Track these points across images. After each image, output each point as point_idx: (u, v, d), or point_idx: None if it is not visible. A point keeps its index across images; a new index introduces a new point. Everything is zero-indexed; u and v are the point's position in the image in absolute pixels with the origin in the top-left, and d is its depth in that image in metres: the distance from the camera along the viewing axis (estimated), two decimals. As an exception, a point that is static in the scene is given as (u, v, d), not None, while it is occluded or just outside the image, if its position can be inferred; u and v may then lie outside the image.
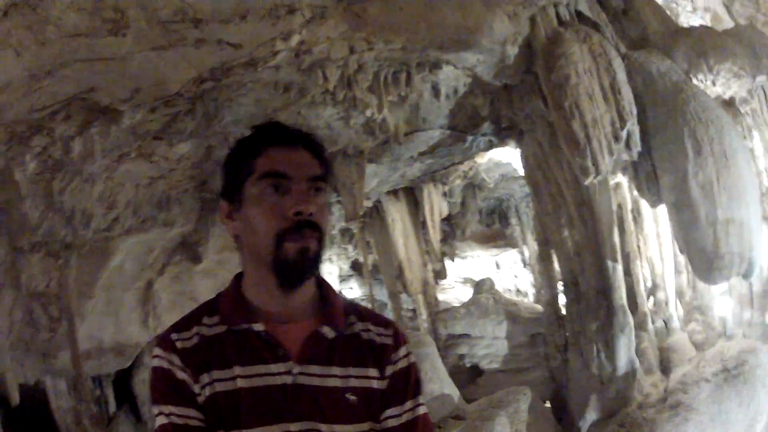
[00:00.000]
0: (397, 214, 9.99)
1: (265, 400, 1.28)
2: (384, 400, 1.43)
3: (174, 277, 5.97)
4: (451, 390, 6.90)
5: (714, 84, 6.21)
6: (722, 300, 7.16)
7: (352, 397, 1.37)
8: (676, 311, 7.50)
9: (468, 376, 9.16)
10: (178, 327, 1.34)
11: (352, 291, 12.06)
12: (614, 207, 6.65)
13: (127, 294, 5.81)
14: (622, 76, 5.53)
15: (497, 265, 12.45)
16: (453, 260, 11.61)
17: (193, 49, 4.11)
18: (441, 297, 11.18)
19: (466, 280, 11.20)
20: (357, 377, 1.39)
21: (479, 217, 11.35)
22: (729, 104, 6.60)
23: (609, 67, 5.44)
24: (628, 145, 5.48)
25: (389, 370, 1.45)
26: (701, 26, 7.05)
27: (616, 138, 5.31)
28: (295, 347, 1.34)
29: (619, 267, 6.25)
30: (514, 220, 11.55)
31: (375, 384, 1.42)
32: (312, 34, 4.68)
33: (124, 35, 3.67)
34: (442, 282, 11.31)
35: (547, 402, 7.10)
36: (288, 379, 1.30)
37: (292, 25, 4.45)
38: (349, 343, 1.42)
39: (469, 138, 7.03)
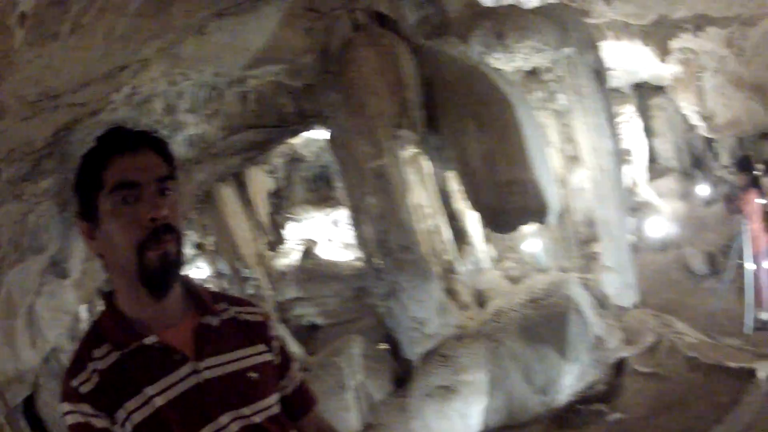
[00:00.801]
0: (227, 198, 10.65)
1: (186, 408, 1.34)
2: (279, 371, 1.59)
3: (49, 294, 6.02)
4: (296, 348, 7.67)
5: (511, 60, 7.02)
6: (532, 240, 8.19)
7: (254, 375, 1.47)
8: (488, 253, 8.54)
9: (308, 333, 9.78)
10: (73, 371, 1.34)
11: (201, 270, 12.20)
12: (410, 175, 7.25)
13: (17, 321, 5.80)
14: (409, 70, 6.23)
15: (335, 223, 12.93)
16: (284, 228, 12.27)
17: (51, 114, 4.66)
18: (285, 261, 11.66)
19: (306, 241, 11.98)
20: (251, 356, 1.49)
21: (307, 185, 12.14)
22: (532, 73, 7.52)
23: (395, 65, 6.16)
24: (415, 129, 6.26)
25: (275, 344, 1.60)
26: (507, 6, 7.52)
27: (399, 126, 6.09)
28: (188, 346, 1.41)
29: (419, 225, 6.97)
30: (338, 184, 11.98)
31: (268, 357, 1.54)
32: (139, 81, 5.36)
33: (3, 118, 4.19)
34: (282, 247, 11.94)
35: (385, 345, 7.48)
36: (196, 379, 1.37)
37: (123, 78, 5.09)
38: (231, 327, 1.51)
39: (279, 130, 7.66)
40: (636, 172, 15.32)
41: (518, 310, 6.84)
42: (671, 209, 15.33)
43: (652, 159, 17.34)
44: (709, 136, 16.29)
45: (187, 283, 1.52)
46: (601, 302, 7.55)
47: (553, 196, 6.66)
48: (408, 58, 6.36)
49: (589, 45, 7.51)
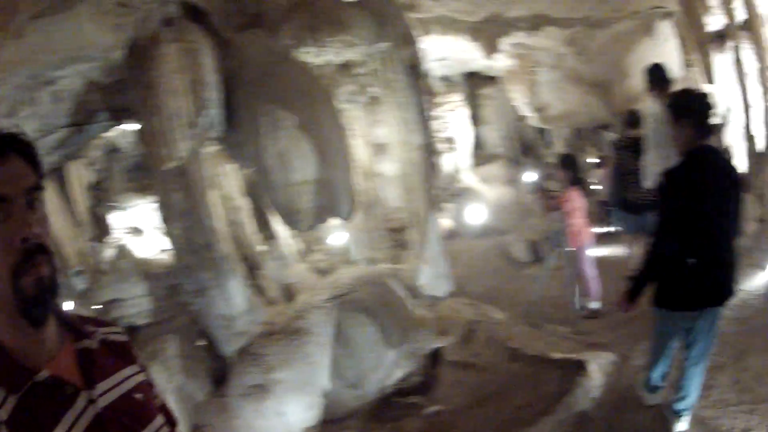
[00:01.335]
0: (46, 196, 9.94)
1: None
2: (151, 387, 1.53)
3: None
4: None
5: (320, 54, 6.84)
6: (338, 233, 8.17)
7: (139, 396, 1.42)
8: (295, 246, 8.47)
9: (129, 335, 9.24)
10: None
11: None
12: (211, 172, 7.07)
13: None
14: (209, 68, 5.96)
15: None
16: (108, 219, 11.81)
17: None
18: (108, 255, 10.92)
19: (134, 230, 11.63)
20: (131, 377, 1.43)
21: (127, 175, 11.63)
22: (344, 66, 7.37)
23: (196, 63, 5.87)
24: (213, 128, 6.08)
25: (142, 362, 1.54)
26: None
27: (192, 125, 5.82)
28: (75, 375, 1.31)
29: (221, 222, 6.82)
30: (156, 172, 11.72)
31: (143, 376, 1.49)
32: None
33: None
34: (108, 239, 11.48)
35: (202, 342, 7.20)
36: (94, 410, 1.28)
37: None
38: (107, 349, 1.43)
39: (95, 126, 7.27)
40: (460, 158, 15.66)
41: (322, 306, 6.66)
42: (496, 195, 15.74)
43: (480, 146, 17.80)
44: (541, 126, 16.85)
45: (54, 307, 1.36)
46: (414, 293, 7.57)
47: (348, 194, 6.70)
48: (211, 54, 6.08)
49: (406, 40, 7.51)
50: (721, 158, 4.00)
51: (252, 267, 7.57)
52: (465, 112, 15.98)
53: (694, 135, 3.82)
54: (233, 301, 6.45)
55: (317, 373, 6.23)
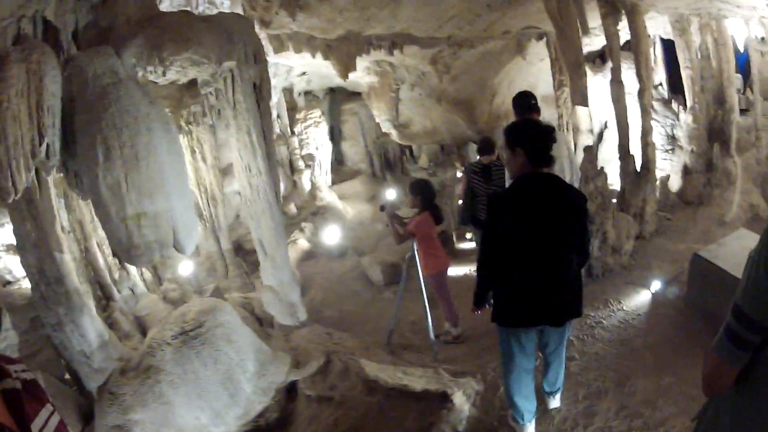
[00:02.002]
0: None
1: None
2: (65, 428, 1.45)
3: None
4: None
5: (164, 74, 6.34)
6: (185, 263, 7.73)
7: None
8: (144, 276, 7.97)
9: None
10: None
11: None
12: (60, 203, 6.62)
13: None
14: (52, 89, 5.41)
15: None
16: None
17: None
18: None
19: (8, 247, 10.71)
20: (50, 416, 1.38)
21: None
22: (191, 85, 7.02)
23: (39, 85, 5.30)
24: (48, 156, 5.46)
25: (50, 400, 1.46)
26: (178, 12, 6.95)
27: (34, 154, 5.27)
28: (6, 418, 1.26)
29: (67, 254, 6.31)
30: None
31: (58, 416, 1.42)
32: None
33: None
34: None
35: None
36: None
37: None
38: (27, 388, 1.37)
39: None
40: (320, 175, 15.23)
41: (171, 342, 6.18)
42: (356, 213, 15.46)
43: (342, 162, 17.54)
44: (402, 143, 16.74)
45: None
46: (266, 322, 7.37)
47: (189, 225, 6.21)
48: (55, 75, 5.49)
49: (253, 59, 7.07)
50: (554, 185, 4.07)
51: (104, 299, 7.22)
52: (325, 128, 15.58)
53: (526, 163, 3.98)
54: (88, 337, 6.13)
55: (173, 413, 5.80)
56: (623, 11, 9.06)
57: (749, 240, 6.73)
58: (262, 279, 7.61)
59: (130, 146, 5.56)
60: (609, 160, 15.71)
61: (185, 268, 7.77)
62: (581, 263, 4.32)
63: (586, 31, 8.27)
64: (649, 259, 8.37)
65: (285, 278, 7.63)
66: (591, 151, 8.48)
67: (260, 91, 7.18)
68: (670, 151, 14.37)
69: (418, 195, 7.30)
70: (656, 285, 7.31)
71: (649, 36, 9.47)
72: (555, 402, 4.98)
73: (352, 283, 10.69)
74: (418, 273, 7.09)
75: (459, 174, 18.44)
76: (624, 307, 7.03)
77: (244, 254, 10.18)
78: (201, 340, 6.17)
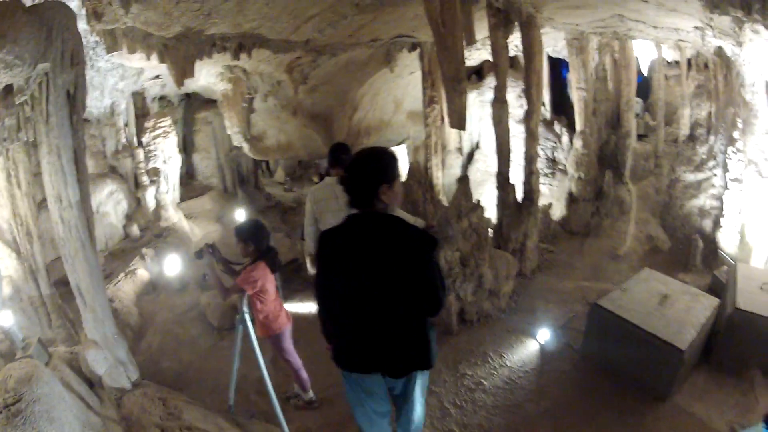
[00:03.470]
0: None
1: None
2: None
3: None
4: None
5: None
6: (4, 312, 6.28)
7: None
8: None
9: None
10: None
11: None
12: None
13: None
14: None
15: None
16: None
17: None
18: None
19: None
20: None
21: None
22: (7, 94, 5.58)
23: None
24: None
25: None
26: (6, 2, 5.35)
27: None
28: None
29: None
30: None
31: None
32: None
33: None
34: None
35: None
36: None
37: None
38: None
39: None
40: (165, 192, 13.70)
41: None
42: (203, 234, 14.16)
43: (191, 176, 16.35)
44: (255, 157, 15.87)
45: None
46: (94, 382, 6.13)
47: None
48: None
49: (69, 59, 5.66)
50: (384, 226, 3.69)
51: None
52: (175, 139, 14.08)
53: (350, 202, 3.75)
54: None
55: None
56: (516, 23, 8.35)
57: (655, 283, 6.41)
58: (86, 332, 6.32)
59: None
60: (480, 183, 15.29)
61: (3, 319, 6.31)
62: (430, 311, 3.77)
63: (471, 41, 7.42)
64: (533, 301, 7.84)
65: (108, 332, 6.33)
66: (466, 183, 7.93)
67: (74, 101, 5.80)
68: (550, 176, 14.13)
69: (248, 241, 5.97)
70: (544, 334, 6.69)
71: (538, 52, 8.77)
72: None
73: (191, 326, 9.33)
74: (252, 338, 5.80)
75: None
76: (507, 362, 6.40)
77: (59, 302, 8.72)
78: (22, 418, 4.99)
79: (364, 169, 3.71)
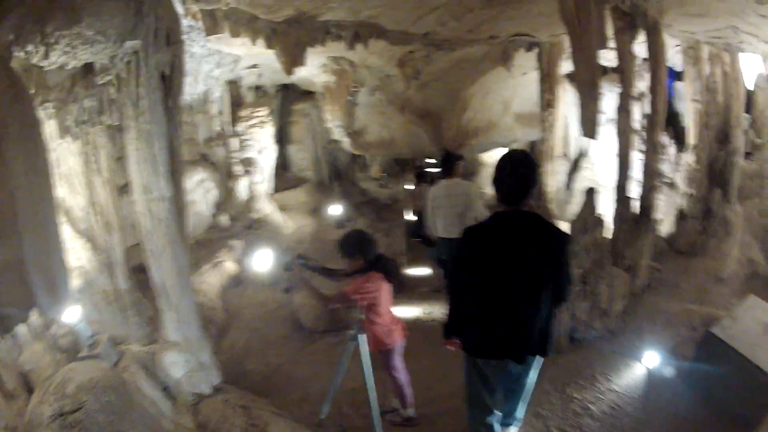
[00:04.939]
0: None
1: None
2: None
3: None
4: None
5: (47, 55, 4.38)
6: (72, 308, 5.84)
7: None
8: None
9: None
10: None
11: None
12: None
13: None
14: None
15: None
16: None
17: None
18: None
19: None
20: None
21: None
22: (88, 72, 5.05)
23: None
24: None
25: None
26: None
27: None
28: None
29: None
30: None
31: None
32: None
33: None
34: None
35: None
36: None
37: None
38: None
39: None
40: (259, 183, 13.33)
41: (49, 425, 4.63)
42: (296, 228, 13.70)
43: (286, 167, 16.03)
44: (355, 152, 15.45)
45: None
46: (169, 390, 5.72)
47: (55, 275, 4.14)
48: None
49: (165, 38, 5.17)
50: (529, 222, 4.10)
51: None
52: (271, 130, 13.72)
53: (499, 200, 4.11)
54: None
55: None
56: (642, 27, 7.72)
57: (760, 311, 6.18)
58: (165, 332, 5.85)
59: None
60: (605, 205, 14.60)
61: (71, 314, 5.88)
62: (558, 301, 4.29)
63: (603, 44, 6.89)
64: (640, 322, 7.37)
65: (192, 335, 5.88)
66: (593, 196, 7.49)
67: (170, 84, 5.29)
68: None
69: (355, 255, 5.41)
70: (651, 358, 6.36)
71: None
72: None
73: (280, 326, 8.84)
74: (364, 356, 5.29)
75: (412, 186, 17.63)
76: (614, 387, 6.06)
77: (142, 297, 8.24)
78: (80, 429, 4.68)
79: (523, 170, 4.05)
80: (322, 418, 5.91)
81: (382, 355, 5.67)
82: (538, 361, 4.43)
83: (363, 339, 5.29)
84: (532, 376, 4.53)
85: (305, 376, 7.29)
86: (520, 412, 4.84)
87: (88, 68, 5.01)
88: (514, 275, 4.03)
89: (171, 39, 5.16)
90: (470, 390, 4.51)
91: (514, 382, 4.53)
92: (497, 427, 4.62)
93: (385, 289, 5.45)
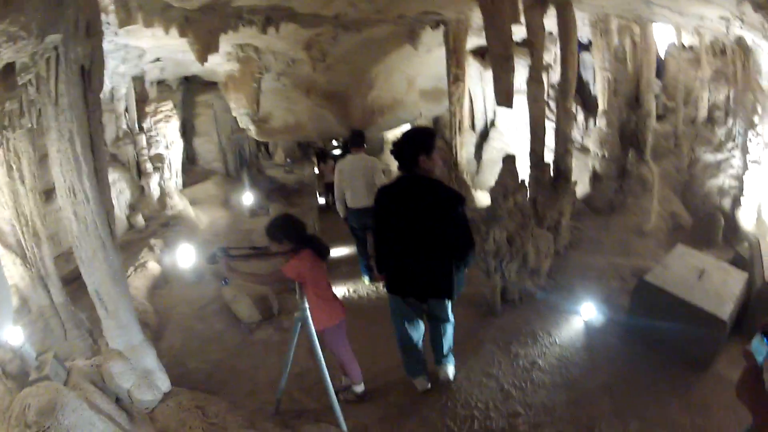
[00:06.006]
0: None
1: None
2: None
3: None
4: None
5: None
6: (12, 329, 5.46)
7: None
8: None
9: None
10: None
11: None
12: None
13: None
14: None
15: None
16: None
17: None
18: None
19: None
20: None
21: None
22: (8, 73, 4.64)
23: None
24: None
25: None
26: None
27: None
28: None
29: None
30: None
31: None
32: None
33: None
34: None
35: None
36: None
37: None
38: None
39: None
40: (169, 179, 13.11)
41: None
42: (210, 221, 13.44)
43: (192, 161, 15.80)
44: (260, 139, 15.32)
45: None
46: (121, 401, 5.29)
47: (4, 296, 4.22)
48: None
49: (85, 29, 4.81)
50: (424, 184, 4.77)
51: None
52: (177, 123, 13.41)
53: (398, 168, 4.84)
54: None
55: None
56: (552, 3, 8.22)
57: (690, 258, 6.75)
58: (107, 341, 5.67)
59: None
60: (496, 161, 14.96)
61: (13, 336, 5.51)
62: (460, 256, 4.85)
63: (516, 19, 7.62)
64: (570, 278, 7.96)
65: (134, 340, 5.69)
66: (512, 162, 7.65)
67: (90, 78, 4.96)
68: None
69: (282, 239, 5.21)
70: (588, 309, 6.76)
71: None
72: (445, 372, 5.73)
73: (214, 321, 8.52)
74: (312, 334, 5.17)
75: (316, 170, 18.86)
76: (557, 340, 6.43)
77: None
78: None
79: (407, 142, 4.77)
80: (278, 405, 5.81)
81: (326, 334, 5.59)
82: (448, 303, 5.30)
83: (309, 319, 5.17)
84: (446, 314, 5.39)
85: (249, 367, 7.13)
86: (444, 344, 5.62)
87: (7, 69, 4.65)
88: (412, 228, 4.81)
89: (91, 30, 4.83)
90: (395, 318, 5.43)
91: (431, 318, 5.45)
92: (420, 344, 5.55)
93: (319, 267, 5.35)
